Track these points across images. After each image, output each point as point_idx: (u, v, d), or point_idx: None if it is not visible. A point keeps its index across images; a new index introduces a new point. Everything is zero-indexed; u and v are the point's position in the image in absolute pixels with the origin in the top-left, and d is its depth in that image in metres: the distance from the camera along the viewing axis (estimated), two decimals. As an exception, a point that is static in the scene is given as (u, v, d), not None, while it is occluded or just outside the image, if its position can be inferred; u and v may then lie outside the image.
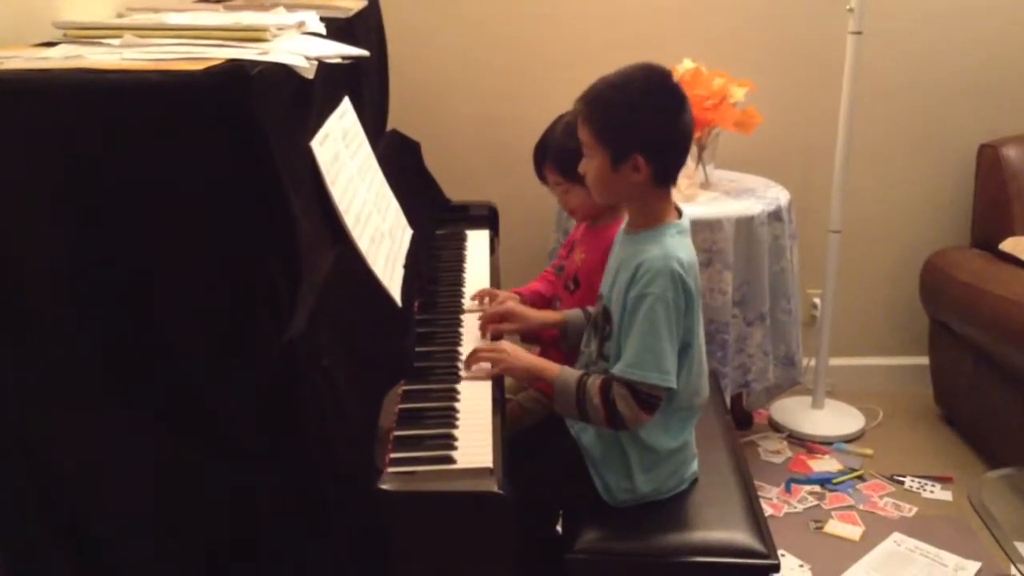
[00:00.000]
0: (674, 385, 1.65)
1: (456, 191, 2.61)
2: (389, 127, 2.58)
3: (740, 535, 1.70)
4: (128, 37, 1.30)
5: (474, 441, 1.51)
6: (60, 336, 1.19)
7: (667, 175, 1.70)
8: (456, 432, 1.53)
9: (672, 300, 1.62)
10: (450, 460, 1.44)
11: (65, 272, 1.16)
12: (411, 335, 1.76)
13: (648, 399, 1.64)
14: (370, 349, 1.54)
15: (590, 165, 1.71)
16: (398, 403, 1.60)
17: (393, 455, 1.44)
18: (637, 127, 1.65)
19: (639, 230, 1.72)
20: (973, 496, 2.03)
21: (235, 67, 1.14)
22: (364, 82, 2.16)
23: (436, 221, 2.44)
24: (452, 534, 1.33)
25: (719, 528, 1.72)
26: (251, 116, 1.13)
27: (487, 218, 2.60)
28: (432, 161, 2.56)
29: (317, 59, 1.37)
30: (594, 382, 1.67)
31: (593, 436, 1.78)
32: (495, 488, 1.33)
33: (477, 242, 2.45)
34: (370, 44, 2.19)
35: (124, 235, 1.16)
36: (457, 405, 1.62)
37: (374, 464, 1.34)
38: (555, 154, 2.04)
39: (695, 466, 1.83)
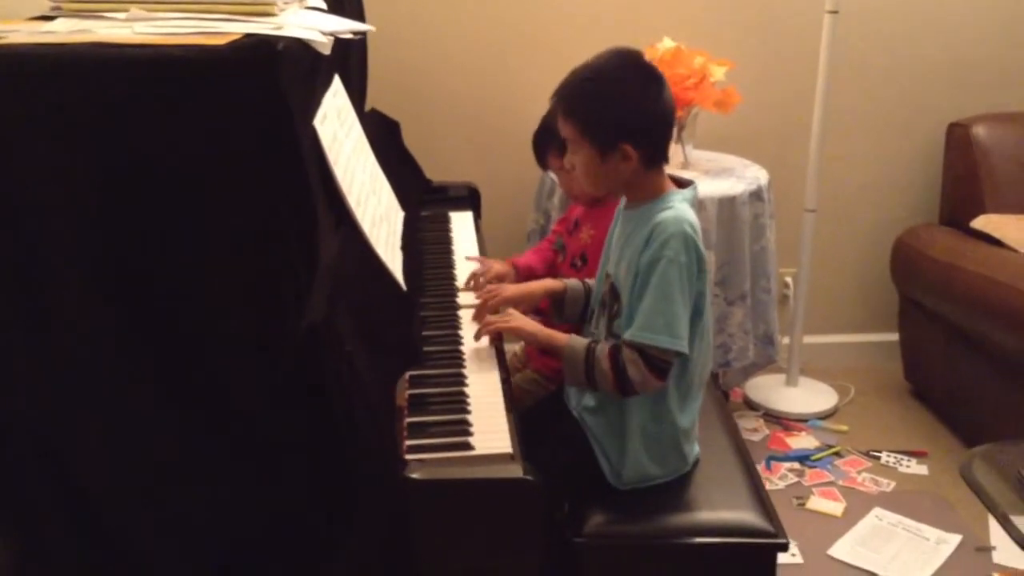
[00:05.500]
0: (686, 350, 1.63)
1: (430, 172, 2.56)
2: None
3: (747, 515, 1.70)
4: (135, 10, 1.24)
5: (489, 426, 1.49)
6: (79, 321, 1.14)
7: (656, 156, 1.69)
8: (470, 417, 1.50)
9: (685, 264, 1.61)
10: (468, 446, 1.42)
11: (86, 255, 1.11)
12: (417, 320, 1.73)
13: (659, 364, 1.62)
14: (381, 335, 1.50)
15: (576, 159, 1.70)
16: (406, 389, 1.57)
17: (409, 442, 1.41)
18: (620, 116, 1.64)
19: (643, 201, 1.70)
20: (964, 470, 2.06)
21: (261, 42, 1.09)
22: (350, 61, 2.11)
23: (420, 203, 2.40)
24: (480, 521, 1.30)
25: (726, 508, 1.72)
26: (278, 92, 1.09)
27: (468, 199, 2.57)
28: (406, 141, 2.51)
29: (331, 34, 1.32)
30: (603, 348, 1.65)
31: (598, 416, 1.76)
32: (521, 473, 1.30)
33: (462, 224, 2.42)
34: (356, 19, 2.13)
35: (146, 214, 1.11)
36: (466, 390, 1.59)
37: (398, 452, 1.31)
38: (560, 138, 2.00)
39: (697, 447, 1.82)
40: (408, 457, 1.36)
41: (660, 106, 1.66)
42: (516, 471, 1.30)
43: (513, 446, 1.43)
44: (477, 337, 1.72)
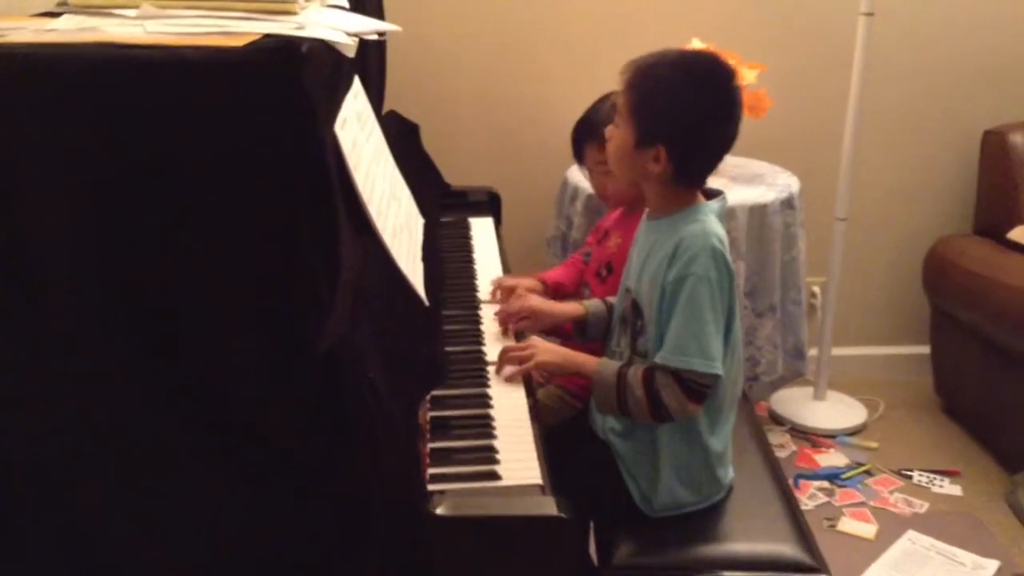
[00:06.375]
0: (721, 372, 1.54)
1: (449, 175, 2.47)
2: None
3: (786, 547, 1.60)
4: (146, 7, 1.15)
5: (517, 453, 1.40)
6: (79, 338, 1.06)
7: (688, 176, 1.60)
8: (496, 443, 1.41)
9: (715, 280, 1.52)
10: (495, 476, 1.33)
11: (88, 268, 1.02)
12: (441, 336, 1.64)
13: (695, 388, 1.53)
14: (404, 354, 1.41)
15: (616, 133, 1.61)
16: (427, 411, 1.48)
17: (432, 470, 1.32)
18: (672, 120, 1.55)
19: (668, 214, 1.62)
20: (1011, 499, 1.97)
21: (284, 44, 1.00)
22: (368, 62, 2.02)
23: (440, 208, 2.30)
24: (507, 559, 1.21)
25: (764, 539, 1.62)
26: (303, 98, 0.99)
27: (488, 204, 2.47)
28: (425, 144, 2.42)
29: (356, 35, 1.23)
30: (636, 372, 1.56)
31: (627, 440, 1.67)
32: (555, 510, 1.20)
33: (482, 230, 2.33)
34: (376, 18, 2.04)
35: (156, 228, 1.02)
36: (492, 412, 1.50)
37: (424, 486, 1.22)
38: (603, 134, 1.88)
39: (731, 470, 1.73)
40: (431, 487, 1.27)
41: (715, 135, 1.57)
42: (550, 507, 1.20)
43: (543, 476, 1.34)
44: (499, 371, 1.63)
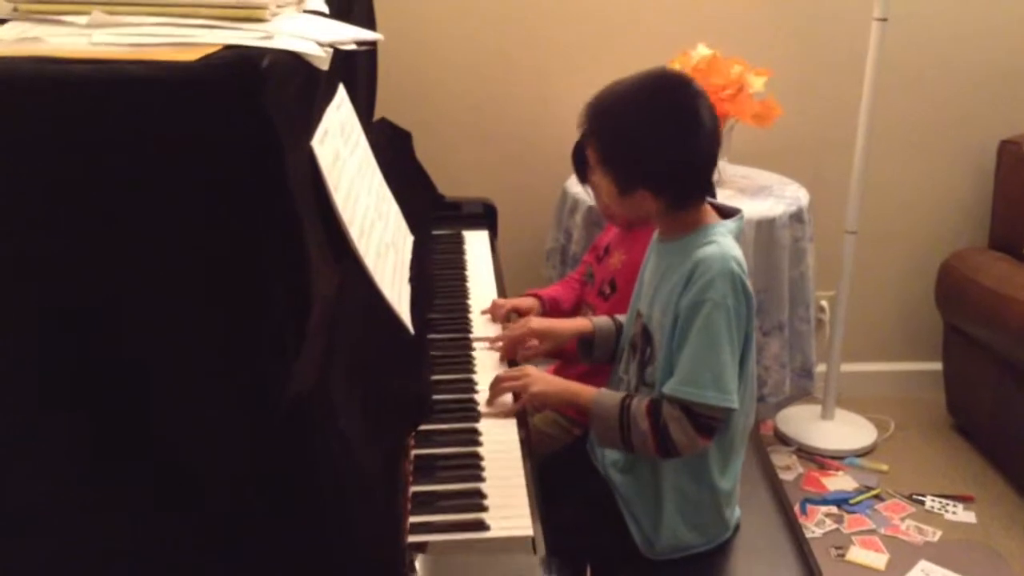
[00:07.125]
0: (735, 405, 1.43)
1: (443, 185, 2.36)
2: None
3: (797, 593, 1.50)
4: (97, 14, 1.04)
5: (506, 499, 1.29)
6: (22, 369, 0.95)
7: (684, 200, 1.49)
8: (484, 487, 1.30)
9: (733, 307, 1.41)
10: (482, 526, 1.22)
11: (18, 311, 0.91)
12: (427, 367, 1.53)
13: (706, 422, 1.42)
14: (385, 389, 1.30)
15: (600, 181, 1.53)
16: (411, 447, 1.37)
17: (413, 519, 1.21)
18: (639, 161, 1.45)
19: (680, 236, 1.51)
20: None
21: (240, 58, 0.89)
22: (357, 67, 1.91)
23: (433, 221, 2.19)
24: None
25: (773, 585, 1.52)
26: (261, 118, 0.88)
27: (483, 216, 2.36)
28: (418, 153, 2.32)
29: (330, 45, 1.12)
30: (640, 404, 1.45)
31: (629, 475, 1.56)
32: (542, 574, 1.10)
33: (477, 245, 2.22)
34: (363, 23, 1.94)
35: (97, 259, 0.90)
36: (480, 451, 1.39)
37: (401, 546, 1.11)
38: None
39: (739, 509, 1.62)
40: (412, 539, 1.16)
41: (691, 154, 1.45)
42: (535, 573, 1.09)
43: (534, 526, 1.23)
44: (490, 402, 1.52)
